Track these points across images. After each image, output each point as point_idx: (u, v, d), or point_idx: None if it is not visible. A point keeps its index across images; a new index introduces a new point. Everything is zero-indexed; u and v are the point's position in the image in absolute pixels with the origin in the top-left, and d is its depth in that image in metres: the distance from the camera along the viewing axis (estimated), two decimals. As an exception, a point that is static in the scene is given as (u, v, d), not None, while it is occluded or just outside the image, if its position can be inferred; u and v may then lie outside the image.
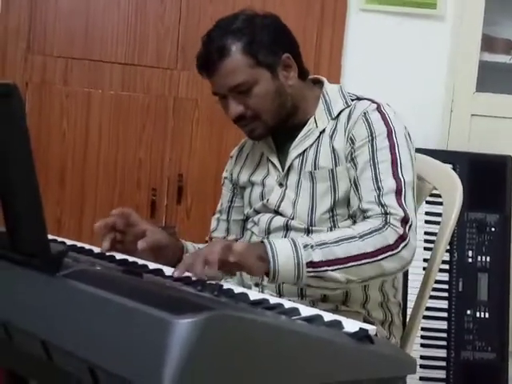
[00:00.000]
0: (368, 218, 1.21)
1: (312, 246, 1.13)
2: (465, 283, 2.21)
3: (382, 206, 1.20)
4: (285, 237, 1.30)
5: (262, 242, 1.15)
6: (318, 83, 1.41)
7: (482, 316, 2.19)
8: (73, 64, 2.26)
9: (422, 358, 2.15)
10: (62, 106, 2.26)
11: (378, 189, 1.22)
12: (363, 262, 1.15)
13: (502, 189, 2.26)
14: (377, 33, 2.33)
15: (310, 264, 1.12)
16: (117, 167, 2.29)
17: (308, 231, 1.29)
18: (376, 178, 1.23)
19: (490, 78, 2.35)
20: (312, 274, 1.13)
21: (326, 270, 1.13)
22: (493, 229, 2.22)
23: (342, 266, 1.14)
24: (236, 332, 0.64)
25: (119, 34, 2.27)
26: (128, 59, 2.28)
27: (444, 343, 2.18)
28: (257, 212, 1.39)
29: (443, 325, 2.19)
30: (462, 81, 2.35)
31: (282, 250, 1.12)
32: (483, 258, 2.22)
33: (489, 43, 2.41)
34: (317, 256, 1.13)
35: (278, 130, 1.36)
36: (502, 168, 2.28)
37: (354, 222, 1.27)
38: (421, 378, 2.15)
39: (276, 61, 1.29)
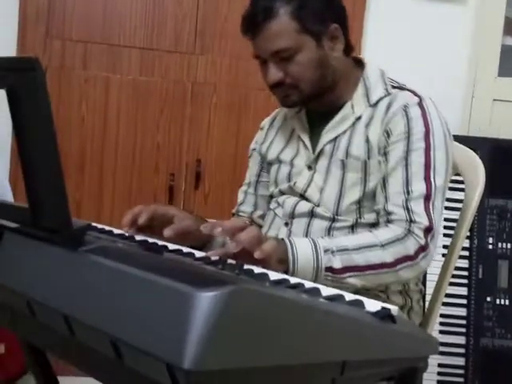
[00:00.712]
0: (392, 221, 1.19)
1: (333, 252, 1.13)
2: (485, 270, 2.19)
3: (408, 211, 1.18)
4: (309, 223, 1.28)
5: (284, 241, 1.14)
6: (359, 63, 1.35)
7: (502, 303, 2.17)
8: (92, 48, 2.26)
9: (441, 344, 2.13)
10: (80, 90, 2.27)
11: (407, 192, 1.19)
12: (381, 271, 1.16)
13: (523, 174, 2.23)
14: (399, 16, 2.30)
15: (329, 269, 1.13)
16: (135, 152, 2.29)
17: (333, 220, 1.27)
18: (406, 180, 1.20)
19: (513, 63, 2.31)
20: (329, 278, 1.13)
21: (344, 277, 1.14)
22: (510, 215, 2.19)
23: (360, 274, 1.15)
24: (258, 307, 0.63)
25: (137, 19, 2.27)
26: (146, 44, 2.28)
27: (463, 330, 2.17)
28: (282, 193, 1.36)
29: (463, 311, 2.17)
30: (483, 65, 2.32)
31: (303, 254, 1.11)
32: (504, 244, 2.20)
33: (511, 27, 2.37)
34: (336, 262, 1.13)
35: (313, 106, 1.32)
36: (524, 153, 2.24)
37: (377, 220, 1.25)
38: (439, 365, 2.14)
39: (323, 30, 1.24)
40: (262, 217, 1.45)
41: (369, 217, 1.26)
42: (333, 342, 0.72)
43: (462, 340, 2.17)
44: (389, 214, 1.20)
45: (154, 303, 0.64)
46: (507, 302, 2.17)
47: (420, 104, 1.25)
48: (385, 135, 1.24)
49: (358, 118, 1.28)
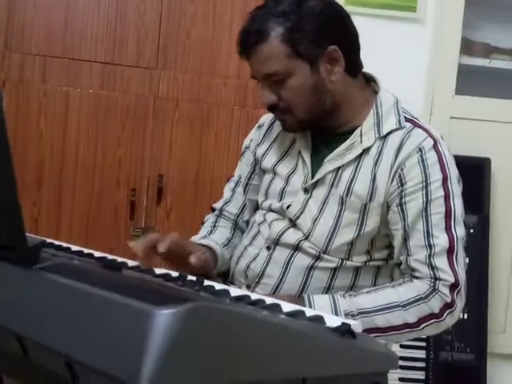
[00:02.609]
0: (416, 278, 1.16)
1: (353, 315, 1.12)
2: (444, 284, 2.22)
3: (433, 268, 1.15)
4: (291, 256, 1.23)
5: (303, 297, 1.13)
6: (372, 82, 1.29)
7: (461, 317, 2.20)
8: (51, 62, 2.23)
9: (401, 358, 2.16)
10: (39, 104, 2.23)
11: (430, 246, 1.15)
12: (404, 331, 1.15)
13: (480, 190, 2.28)
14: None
15: None
16: (96, 167, 2.26)
17: (317, 258, 1.22)
18: (428, 233, 1.16)
19: (469, 81, 2.38)
20: None
21: None
22: (472, 230, 2.24)
23: (382, 335, 1.13)
24: (217, 324, 0.63)
25: (99, 33, 2.25)
26: (108, 58, 2.26)
27: (423, 344, 2.19)
28: (272, 210, 1.29)
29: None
30: (441, 84, 2.37)
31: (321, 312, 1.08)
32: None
33: (468, 47, 2.44)
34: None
35: (316, 127, 1.25)
36: (480, 170, 2.30)
37: (364, 264, 1.22)
38: (400, 379, 2.16)
39: (319, 53, 1.17)
40: (247, 223, 1.39)
41: (357, 259, 1.22)
42: (292, 358, 0.71)
43: (422, 354, 2.19)
44: (413, 270, 1.17)
45: (111, 322, 0.63)
46: (465, 316, 2.21)
47: (435, 147, 1.19)
48: (398, 181, 1.18)
49: (366, 150, 1.21)
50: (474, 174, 2.28)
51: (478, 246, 2.24)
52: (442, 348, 2.20)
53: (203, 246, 1.31)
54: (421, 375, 2.18)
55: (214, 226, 1.40)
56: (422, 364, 2.18)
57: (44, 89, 2.23)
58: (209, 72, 2.28)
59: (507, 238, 2.36)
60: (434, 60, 2.38)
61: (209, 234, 1.38)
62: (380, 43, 2.35)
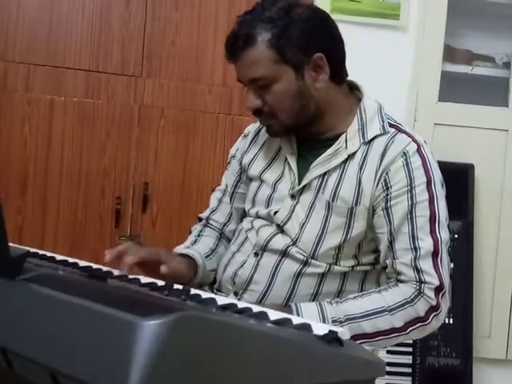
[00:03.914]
0: (401, 282, 1.18)
1: (341, 322, 1.13)
2: (429, 290, 2.23)
3: (418, 271, 1.16)
4: (279, 262, 1.24)
5: (290, 306, 1.14)
6: (356, 90, 1.30)
7: (447, 322, 2.22)
8: (35, 70, 2.21)
9: (388, 364, 2.16)
10: (23, 113, 2.21)
11: (415, 249, 1.17)
12: (392, 336, 1.16)
13: (464, 196, 2.30)
14: (341, 42, 2.36)
15: None
16: (80, 175, 2.25)
17: (305, 263, 1.22)
18: (413, 236, 1.17)
19: (452, 88, 2.40)
20: None
21: None
22: (456, 236, 2.25)
23: (369, 340, 1.14)
24: (204, 333, 0.62)
25: (83, 40, 2.24)
26: (92, 66, 2.25)
27: (409, 349, 2.20)
28: (259, 217, 1.30)
29: (409, 331, 2.21)
30: (424, 91, 2.39)
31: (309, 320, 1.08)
32: (447, 264, 2.25)
33: (450, 54, 2.46)
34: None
35: (301, 133, 1.27)
36: (464, 176, 2.32)
37: (352, 268, 1.23)
38: (387, 385, 2.16)
39: (305, 59, 1.19)
40: (233, 232, 1.40)
41: (344, 263, 1.23)
42: (279, 366, 0.71)
43: (408, 360, 2.20)
44: (398, 273, 1.18)
45: (96, 333, 0.62)
46: (451, 321, 2.22)
47: (419, 151, 1.21)
48: (382, 185, 1.19)
49: (351, 155, 1.22)
50: (458, 179, 2.30)
51: (463, 251, 2.26)
52: (428, 353, 2.21)
53: (185, 255, 1.32)
54: (407, 381, 2.19)
55: (199, 236, 1.41)
56: (409, 370, 2.19)
57: (28, 97, 2.21)
58: (194, 79, 2.28)
59: (491, 243, 2.38)
60: (417, 67, 2.40)
61: (192, 245, 1.38)
62: (364, 51, 2.37)
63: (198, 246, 1.37)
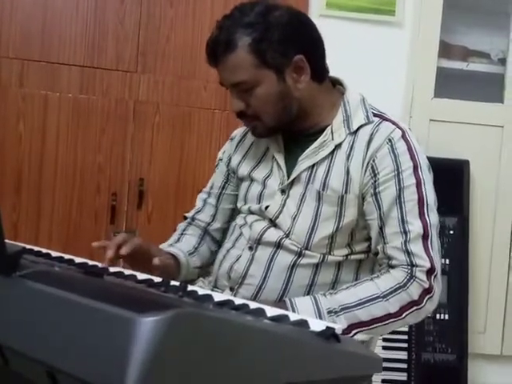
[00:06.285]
0: (393, 267, 1.18)
1: (336, 312, 1.13)
2: (425, 286, 2.24)
3: (409, 254, 1.17)
4: (274, 254, 1.25)
5: (284, 302, 1.14)
6: (339, 85, 1.32)
7: (442, 318, 2.23)
8: (29, 66, 2.20)
9: (384, 360, 2.15)
10: (18, 109, 2.20)
11: (405, 233, 1.17)
12: (388, 322, 1.16)
13: (460, 192, 2.31)
14: (336, 39, 2.34)
15: None
16: (75, 171, 2.24)
17: (299, 254, 1.23)
18: (402, 220, 1.18)
19: (448, 84, 2.40)
20: None
21: (351, 335, 1.13)
22: (451, 232, 2.26)
23: (366, 328, 1.15)
24: (201, 330, 0.62)
25: (78, 36, 2.23)
26: (87, 61, 2.23)
27: (405, 345, 2.20)
28: (251, 212, 1.32)
29: (404, 327, 2.21)
30: (420, 87, 2.40)
31: (305, 314, 1.05)
32: (442, 260, 2.25)
33: (446, 50, 2.46)
34: (341, 322, 1.12)
35: (287, 131, 1.29)
36: (459, 172, 2.33)
37: (346, 258, 1.24)
38: (383, 381, 2.17)
39: (286, 62, 1.20)
40: (219, 230, 1.43)
41: (338, 253, 1.24)
42: (276, 363, 0.71)
43: (403, 355, 2.20)
44: (389, 258, 1.19)
45: (93, 330, 0.62)
46: (446, 317, 2.23)
47: (404, 137, 1.22)
48: (370, 172, 1.21)
49: (338, 146, 1.24)
50: (453, 175, 2.30)
51: (458, 246, 2.27)
52: (424, 349, 2.21)
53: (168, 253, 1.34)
54: (403, 376, 2.19)
55: (182, 234, 1.43)
56: (404, 365, 2.20)
57: (22, 93, 2.20)
58: (189, 75, 2.27)
59: (486, 238, 2.39)
60: (413, 63, 2.40)
61: (175, 243, 1.40)
62: (359, 47, 2.37)
63: (180, 244, 1.40)
